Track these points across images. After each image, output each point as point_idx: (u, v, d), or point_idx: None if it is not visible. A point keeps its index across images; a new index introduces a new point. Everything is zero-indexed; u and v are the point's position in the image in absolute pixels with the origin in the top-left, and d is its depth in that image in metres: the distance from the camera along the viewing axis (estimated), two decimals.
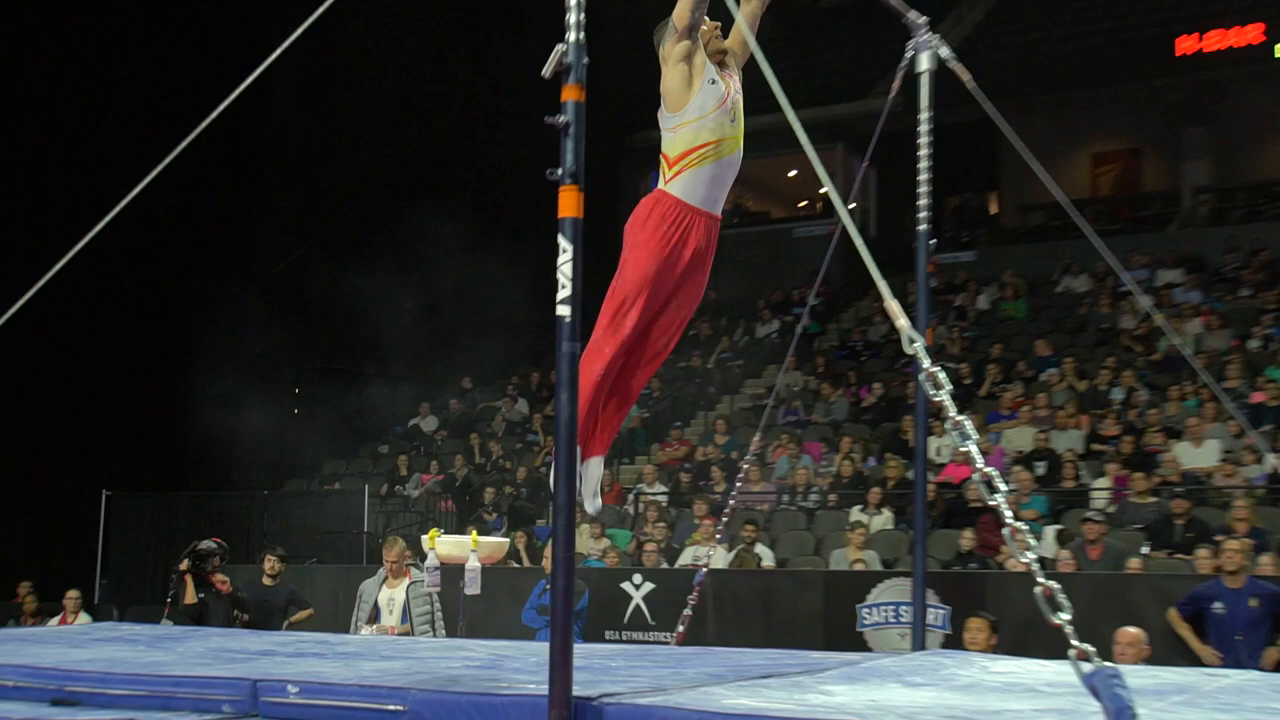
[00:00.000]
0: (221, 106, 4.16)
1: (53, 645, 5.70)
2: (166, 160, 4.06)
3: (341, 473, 19.37)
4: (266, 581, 10.68)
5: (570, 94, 3.83)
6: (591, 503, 4.90)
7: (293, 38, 4.29)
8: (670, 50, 4.81)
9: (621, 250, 4.94)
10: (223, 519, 15.54)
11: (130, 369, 17.94)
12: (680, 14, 4.76)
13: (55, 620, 12.57)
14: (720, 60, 4.99)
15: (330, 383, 20.17)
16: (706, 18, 4.92)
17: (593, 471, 4.88)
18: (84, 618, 12.49)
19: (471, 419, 20.13)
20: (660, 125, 4.96)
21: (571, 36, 3.89)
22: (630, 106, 22.91)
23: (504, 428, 19.60)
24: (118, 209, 4.06)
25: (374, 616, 9.69)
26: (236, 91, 4.18)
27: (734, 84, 4.98)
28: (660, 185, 4.89)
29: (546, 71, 3.82)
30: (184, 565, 9.83)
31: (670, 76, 4.83)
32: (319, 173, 20.47)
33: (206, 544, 9.89)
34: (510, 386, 20.61)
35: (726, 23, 4.91)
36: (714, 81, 4.84)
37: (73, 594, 12.76)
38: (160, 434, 18.31)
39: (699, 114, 4.81)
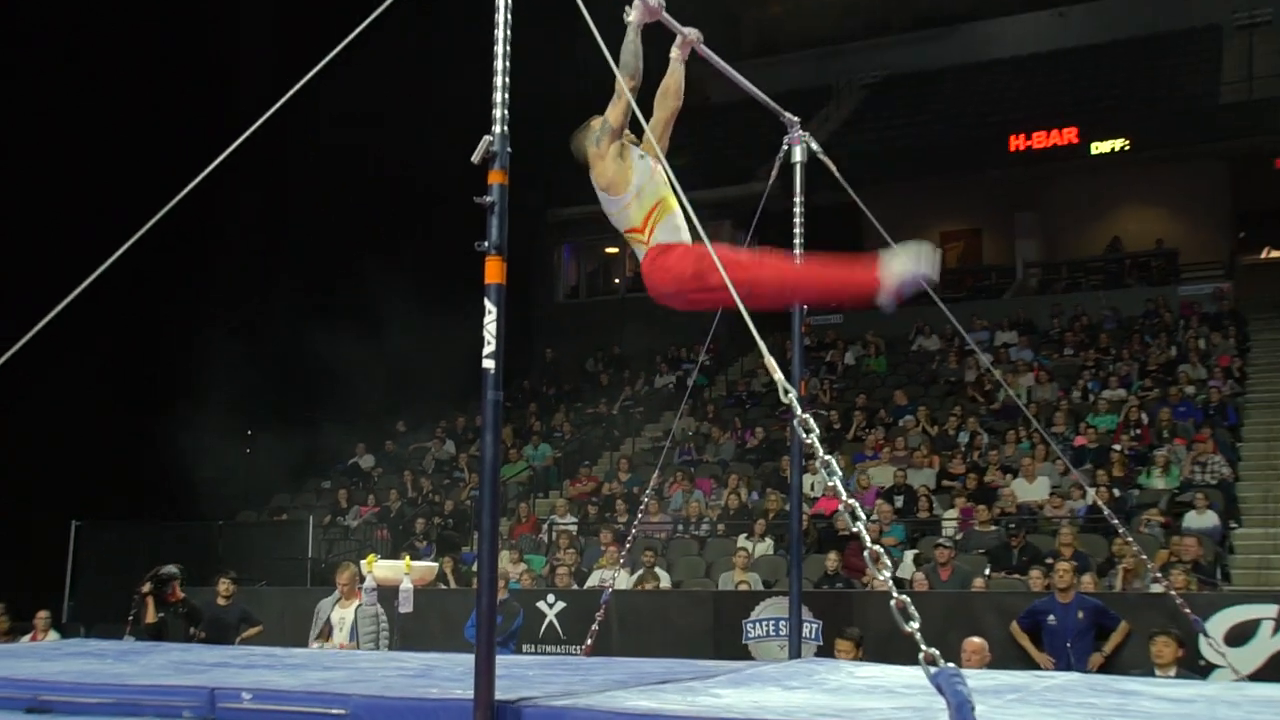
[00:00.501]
0: (202, 175, 4.14)
1: (26, 659, 5.54)
2: (154, 219, 4.03)
3: (288, 505, 19.09)
4: (220, 602, 10.48)
5: (495, 177, 3.87)
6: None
7: (265, 117, 4.29)
8: (605, 148, 4.83)
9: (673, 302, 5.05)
10: (181, 546, 15.18)
11: (100, 409, 17.50)
12: (615, 118, 4.78)
13: (26, 638, 12.20)
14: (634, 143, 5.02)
15: (279, 424, 19.87)
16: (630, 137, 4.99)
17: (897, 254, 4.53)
18: (53, 635, 12.12)
19: (405, 458, 19.93)
20: (609, 212, 5.02)
21: (497, 129, 3.94)
22: (547, 186, 23.15)
23: (433, 466, 19.43)
24: (107, 264, 4.02)
25: (327, 632, 9.55)
26: (215, 162, 4.17)
27: (656, 161, 5.00)
28: (646, 250, 4.94)
29: (475, 158, 3.86)
30: (146, 588, 9.62)
31: (607, 167, 4.86)
32: (273, 240, 20.33)
33: (168, 569, 9.69)
34: (439, 429, 20.44)
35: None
36: (642, 157, 4.90)
37: (43, 614, 12.38)
38: (125, 469, 17.88)
39: (639, 186, 4.87)
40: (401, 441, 20.60)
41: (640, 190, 4.88)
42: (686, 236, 4.93)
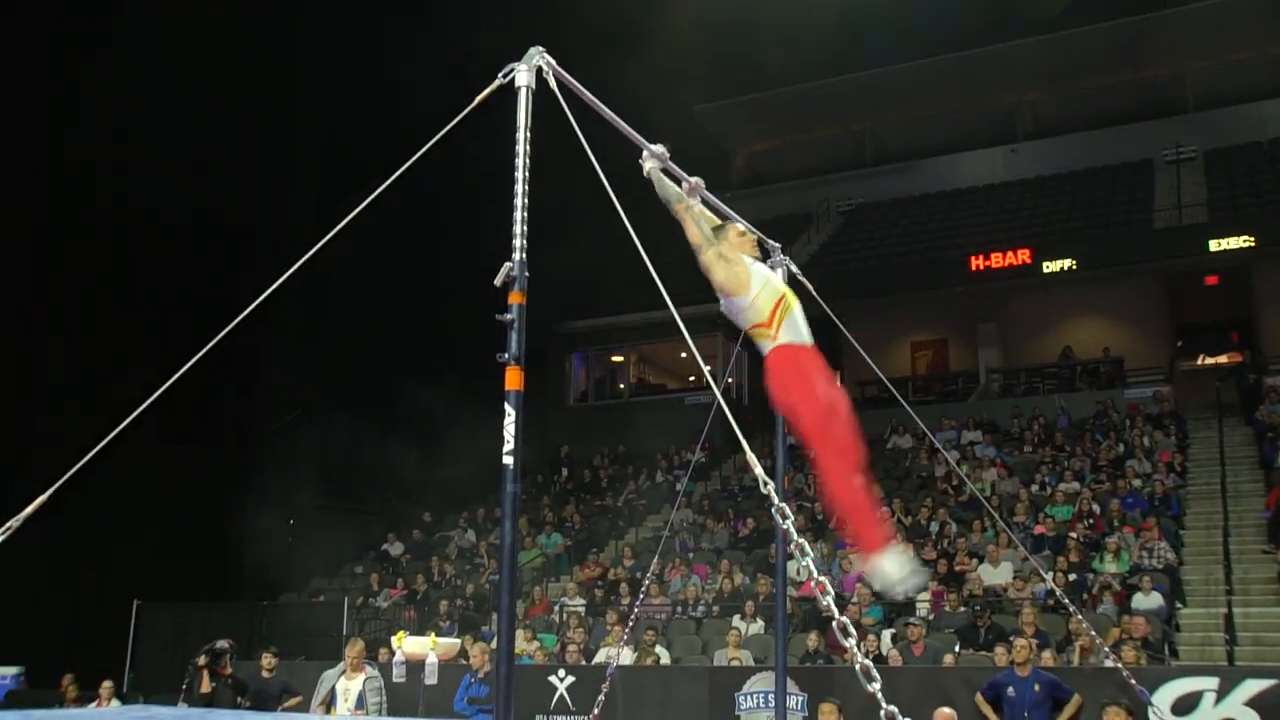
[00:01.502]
0: (259, 300, 4.28)
1: None
2: (218, 337, 4.17)
3: (325, 588, 18.98)
4: (264, 674, 10.42)
5: (515, 298, 3.99)
6: (913, 580, 4.55)
7: (310, 253, 4.44)
8: (706, 259, 4.87)
9: (778, 405, 4.91)
10: (230, 624, 15.11)
11: (161, 502, 17.60)
12: (693, 237, 4.92)
13: (92, 705, 12.12)
14: (752, 251, 5.09)
15: (317, 516, 19.95)
16: (738, 224, 5.07)
17: (898, 556, 4.50)
18: (115, 703, 12.05)
19: (430, 545, 19.86)
20: (735, 313, 4.94)
21: (516, 256, 4.07)
22: (559, 302, 23.43)
23: (456, 552, 19.35)
24: (179, 374, 4.14)
25: (329, 700, 9.51)
26: (270, 289, 4.31)
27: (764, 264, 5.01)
28: (772, 347, 4.84)
29: (497, 281, 3.99)
30: (201, 660, 9.57)
31: (717, 274, 4.85)
32: (309, 353, 20.58)
33: (220, 644, 9.66)
34: (462, 520, 20.40)
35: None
36: (755, 259, 4.96)
37: (107, 684, 12.28)
38: (181, 554, 17.89)
39: (761, 285, 4.84)
40: (427, 530, 20.55)
41: (764, 286, 4.84)
42: (808, 336, 4.88)
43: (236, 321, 4.26)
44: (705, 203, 5.68)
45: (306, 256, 4.41)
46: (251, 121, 19.27)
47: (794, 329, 4.84)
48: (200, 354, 4.18)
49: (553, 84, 4.42)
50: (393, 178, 4.56)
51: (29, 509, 3.93)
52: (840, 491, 4.57)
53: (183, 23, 17.78)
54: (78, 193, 17.56)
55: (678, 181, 5.29)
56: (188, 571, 17.83)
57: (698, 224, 4.91)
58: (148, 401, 4.08)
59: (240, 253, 17.60)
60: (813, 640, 12.08)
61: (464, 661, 12.80)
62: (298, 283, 4.61)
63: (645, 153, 5.05)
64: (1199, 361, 24.14)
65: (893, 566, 4.43)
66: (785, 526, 3.40)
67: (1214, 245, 20.96)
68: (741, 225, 5.18)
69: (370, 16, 21.60)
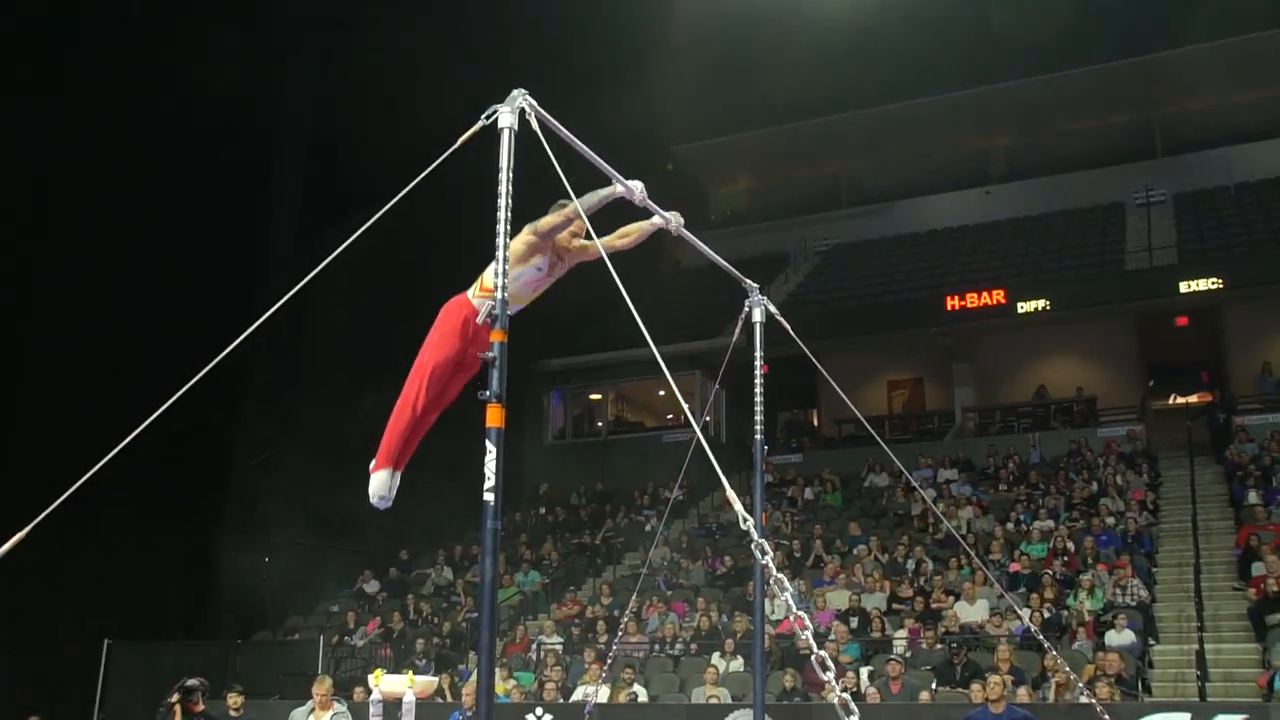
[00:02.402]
0: (236, 342, 4.29)
1: None
2: (193, 380, 4.17)
3: (301, 626, 18.81)
4: (231, 714, 10.32)
5: (497, 336, 4.02)
6: (379, 501, 5.15)
7: (286, 297, 4.45)
8: (525, 235, 4.94)
9: (433, 326, 5.06)
10: (203, 662, 14.96)
11: (134, 541, 17.41)
12: (545, 224, 4.95)
13: None
14: (564, 249, 5.10)
15: (293, 553, 19.81)
16: (583, 218, 5.00)
17: (385, 480, 5.09)
18: None
19: (407, 583, 19.73)
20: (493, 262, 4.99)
21: (498, 295, 4.10)
22: (538, 340, 23.45)
23: (432, 590, 19.23)
24: (156, 415, 4.13)
25: None
26: (246, 333, 4.33)
27: (552, 275, 5.11)
28: (469, 294, 4.98)
29: (480, 319, 4.01)
30: (174, 698, 9.46)
31: (517, 243, 4.91)
32: (288, 393, 20.51)
33: (192, 681, 9.55)
34: (438, 557, 20.29)
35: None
36: (539, 269, 4.99)
37: None
38: (154, 593, 17.71)
39: (515, 280, 4.85)
40: (403, 568, 20.42)
41: (515, 281, 4.86)
42: (483, 319, 4.95)
43: (214, 363, 4.27)
44: (682, 242, 5.74)
45: (285, 298, 4.43)
46: (232, 155, 19.21)
47: (487, 310, 4.90)
48: (178, 395, 4.19)
49: (535, 125, 4.47)
50: (374, 219, 4.58)
51: (2, 549, 3.90)
52: (396, 412, 5.04)
53: (161, 57, 17.82)
54: (57, 223, 17.48)
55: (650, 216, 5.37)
56: (161, 609, 17.67)
57: (551, 227, 5.00)
58: (124, 442, 4.07)
59: (219, 288, 17.53)
60: (790, 679, 12.06)
61: (440, 700, 12.72)
62: (278, 319, 4.62)
63: (615, 182, 5.08)
64: (1170, 401, 24.34)
65: (373, 483, 5.10)
66: (764, 562, 3.42)
67: (1184, 287, 21.21)
68: (578, 224, 5.08)
69: (354, 58, 21.66)
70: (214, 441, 18.81)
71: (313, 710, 9.56)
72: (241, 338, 4.33)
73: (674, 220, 5.44)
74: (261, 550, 19.56)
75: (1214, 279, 21.03)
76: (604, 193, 5.04)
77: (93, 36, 18.08)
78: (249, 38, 19.78)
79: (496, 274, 4.12)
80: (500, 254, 4.15)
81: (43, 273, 17.16)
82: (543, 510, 22.51)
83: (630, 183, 5.10)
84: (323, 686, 9.61)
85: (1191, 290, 21.16)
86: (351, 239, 4.51)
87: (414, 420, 4.99)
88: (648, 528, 19.79)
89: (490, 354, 3.99)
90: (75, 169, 17.32)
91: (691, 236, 5.81)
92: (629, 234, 5.33)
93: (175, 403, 4.32)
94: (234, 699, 10.38)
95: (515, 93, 4.48)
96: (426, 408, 4.99)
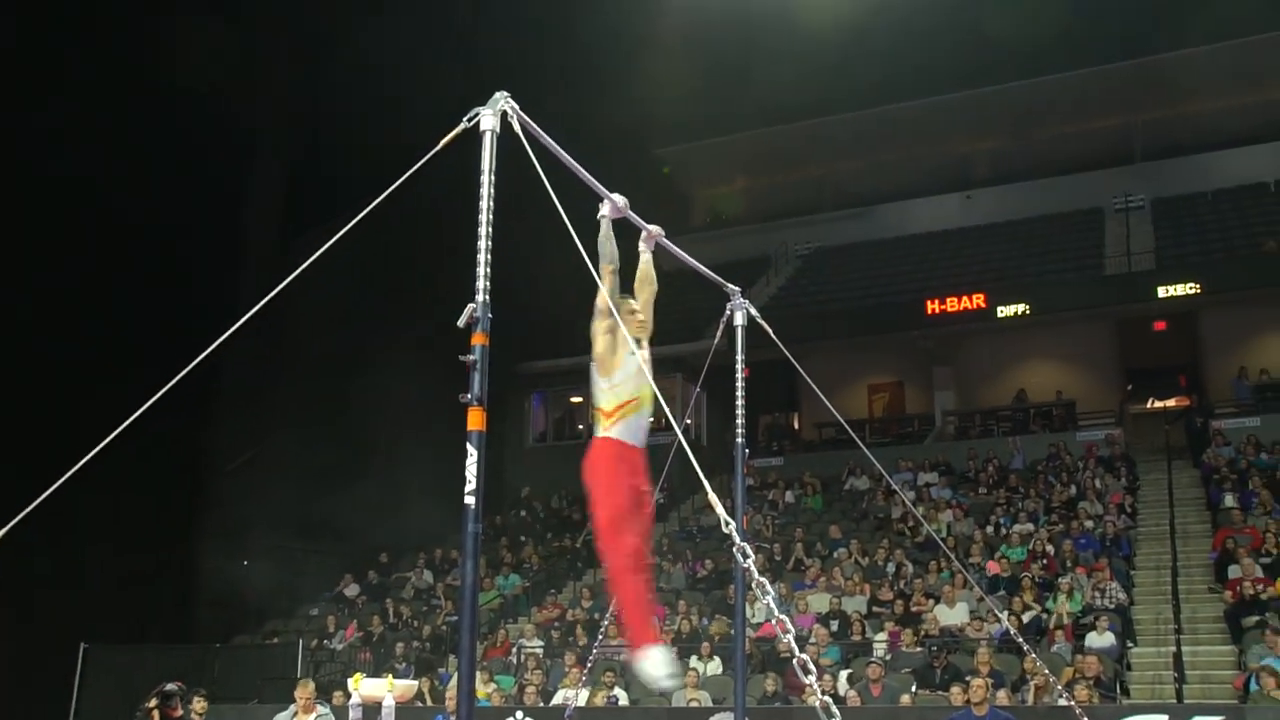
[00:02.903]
0: (213, 346, 4.28)
1: None
2: (170, 384, 4.15)
3: (281, 629, 18.75)
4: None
5: (478, 339, 4.01)
6: (670, 681, 4.80)
7: (264, 301, 4.44)
8: (596, 327, 5.02)
9: (587, 489, 5.05)
10: (181, 667, 14.86)
11: (110, 543, 17.31)
12: (600, 303, 5.01)
13: None
14: (639, 332, 5.18)
15: (272, 557, 19.73)
16: (632, 302, 5.17)
17: (663, 656, 4.71)
18: None
19: (387, 586, 19.68)
20: (594, 384, 5.12)
21: (480, 298, 4.09)
22: (517, 342, 23.40)
23: (413, 594, 19.18)
24: (130, 420, 4.11)
25: None
26: (222, 338, 4.32)
27: (646, 354, 5.15)
28: (600, 434, 5.03)
29: (461, 322, 4.00)
30: (151, 703, 9.41)
31: (600, 346, 5.02)
32: (267, 397, 20.42)
33: (170, 686, 9.50)
34: (419, 560, 20.24)
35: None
36: (633, 353, 4.99)
37: None
38: (132, 597, 17.60)
39: (623, 378, 4.98)
40: (383, 572, 20.36)
41: (621, 384, 5.00)
42: (642, 440, 5.08)
43: (192, 366, 4.25)
44: (664, 249, 5.75)
45: (260, 305, 4.42)
46: (214, 159, 19.15)
47: (631, 429, 5.04)
48: (155, 397, 4.17)
49: (517, 128, 4.47)
50: (353, 222, 4.57)
51: None
52: (622, 587, 4.80)
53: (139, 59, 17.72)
54: (36, 229, 17.37)
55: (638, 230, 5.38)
56: (138, 613, 17.55)
57: (611, 292, 5.03)
58: (103, 444, 4.05)
59: (200, 292, 17.45)
60: (770, 683, 12.07)
61: (420, 704, 12.68)
62: (255, 321, 4.61)
63: (605, 201, 5.13)
64: (1148, 405, 24.48)
65: (653, 665, 4.67)
66: (746, 565, 3.43)
67: (1162, 291, 21.36)
68: (635, 305, 5.28)
69: (337, 62, 21.59)
70: (193, 445, 18.73)
71: (296, 714, 9.53)
72: (214, 345, 4.31)
73: (656, 231, 5.49)
74: (240, 554, 19.48)
75: (1191, 284, 21.18)
76: (604, 231, 5.10)
77: (77, 37, 18.00)
78: (230, 40, 19.69)
79: (478, 277, 4.11)
80: (482, 256, 4.14)
81: (18, 279, 17.05)
82: (524, 513, 22.49)
83: (614, 196, 5.13)
84: (306, 690, 9.57)
85: (1169, 295, 21.31)
86: (331, 242, 4.50)
87: (641, 581, 4.85)
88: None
89: (471, 357, 3.98)
90: (54, 174, 17.24)
91: (673, 246, 5.84)
92: (643, 278, 5.43)
93: (154, 406, 4.30)
94: (199, 704, 10.26)
95: (497, 95, 4.48)
96: (637, 548, 4.87)
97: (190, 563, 17.35)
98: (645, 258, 5.47)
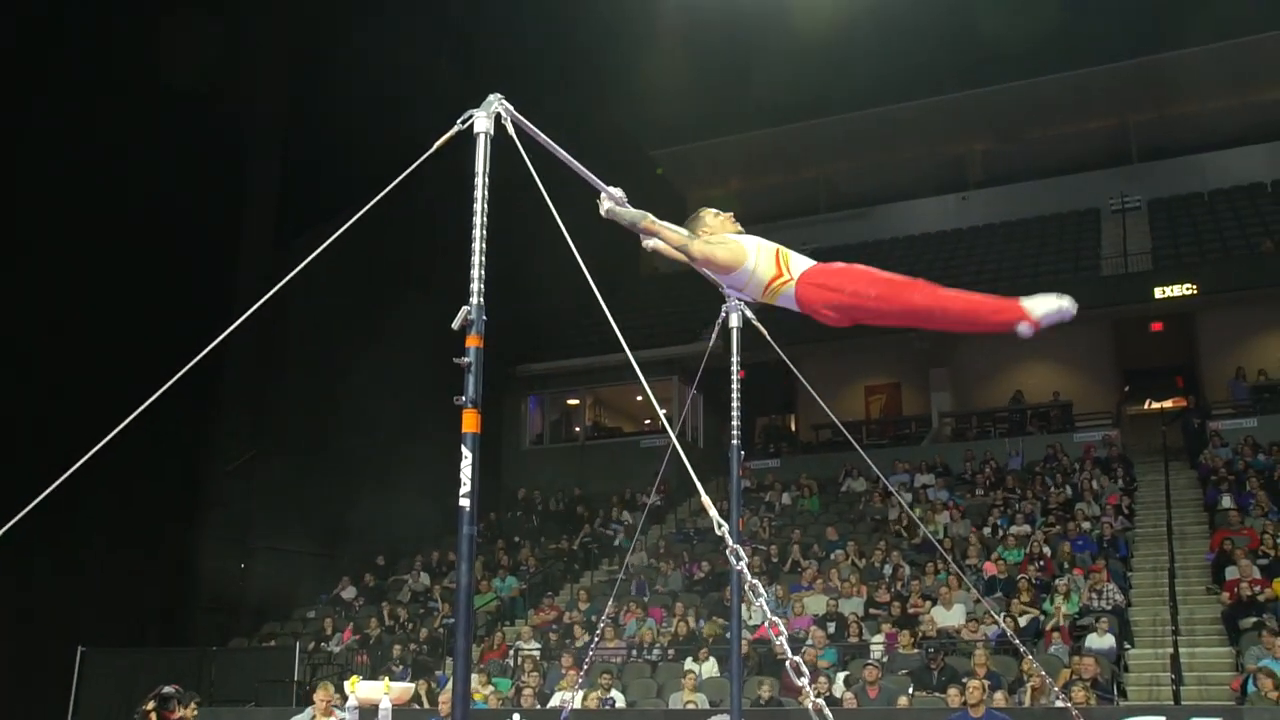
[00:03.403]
0: (206, 350, 4.27)
1: None
2: (168, 384, 4.15)
3: (278, 632, 18.73)
4: None
5: (473, 341, 3.98)
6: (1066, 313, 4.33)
7: (260, 302, 4.44)
8: (697, 250, 4.83)
9: (844, 313, 4.78)
10: (179, 670, 14.84)
11: (106, 547, 17.28)
12: (672, 240, 4.92)
13: None
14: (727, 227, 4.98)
15: (269, 559, 19.73)
16: (715, 212, 5.00)
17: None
18: None
19: (384, 589, 19.66)
20: (744, 285, 4.91)
21: (474, 300, 4.07)
22: (514, 344, 23.41)
23: (409, 596, 19.16)
24: (127, 421, 4.11)
25: None
26: (215, 341, 4.31)
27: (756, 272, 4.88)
28: (796, 284, 4.80)
29: (455, 325, 3.98)
30: (150, 705, 9.37)
31: (720, 253, 4.81)
32: (265, 397, 20.43)
33: (167, 689, 9.46)
34: (416, 563, 20.22)
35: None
36: (740, 232, 4.91)
37: None
38: (129, 600, 17.56)
39: (755, 247, 4.81)
40: (380, 574, 20.35)
41: (757, 250, 4.81)
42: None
43: (189, 367, 4.24)
44: (658, 250, 5.70)
45: (258, 304, 4.41)
46: (206, 158, 19.11)
47: (802, 262, 4.83)
48: (153, 398, 4.16)
49: (511, 130, 4.46)
50: (347, 225, 4.56)
51: None
52: (946, 305, 4.42)
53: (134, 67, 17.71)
54: (33, 228, 17.34)
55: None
56: (136, 616, 17.52)
57: (671, 228, 4.92)
58: (100, 444, 4.04)
59: (195, 292, 17.43)
60: (766, 689, 12.06)
61: (417, 707, 12.68)
62: (253, 323, 4.60)
63: (603, 194, 5.11)
64: (1145, 406, 24.52)
65: (1043, 304, 4.29)
66: (740, 568, 3.43)
67: (1159, 292, 21.38)
68: (710, 210, 5.11)
69: (330, 62, 21.57)
70: (191, 446, 18.73)
71: (314, 717, 9.46)
72: (210, 346, 4.30)
73: (618, 194, 5.35)
74: (237, 556, 19.47)
75: (1188, 285, 21.21)
76: (621, 215, 5.03)
77: (75, 38, 17.98)
78: (229, 43, 19.69)
79: (473, 279, 4.10)
80: (477, 258, 4.14)
81: (18, 276, 17.03)
82: (520, 515, 22.48)
83: (611, 190, 5.11)
84: (324, 692, 9.48)
85: (1166, 296, 21.33)
86: (325, 245, 4.49)
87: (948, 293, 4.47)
88: (616, 542, 19.82)
89: (466, 359, 3.97)
90: (53, 174, 17.24)
91: (660, 242, 5.78)
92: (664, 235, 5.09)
93: (153, 406, 4.29)
94: (190, 709, 10.17)
95: (491, 97, 4.45)
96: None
97: (188, 564, 17.32)
98: (657, 244, 5.20)
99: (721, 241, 4.86)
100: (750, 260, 4.82)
